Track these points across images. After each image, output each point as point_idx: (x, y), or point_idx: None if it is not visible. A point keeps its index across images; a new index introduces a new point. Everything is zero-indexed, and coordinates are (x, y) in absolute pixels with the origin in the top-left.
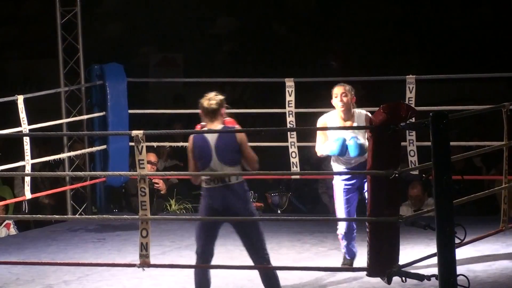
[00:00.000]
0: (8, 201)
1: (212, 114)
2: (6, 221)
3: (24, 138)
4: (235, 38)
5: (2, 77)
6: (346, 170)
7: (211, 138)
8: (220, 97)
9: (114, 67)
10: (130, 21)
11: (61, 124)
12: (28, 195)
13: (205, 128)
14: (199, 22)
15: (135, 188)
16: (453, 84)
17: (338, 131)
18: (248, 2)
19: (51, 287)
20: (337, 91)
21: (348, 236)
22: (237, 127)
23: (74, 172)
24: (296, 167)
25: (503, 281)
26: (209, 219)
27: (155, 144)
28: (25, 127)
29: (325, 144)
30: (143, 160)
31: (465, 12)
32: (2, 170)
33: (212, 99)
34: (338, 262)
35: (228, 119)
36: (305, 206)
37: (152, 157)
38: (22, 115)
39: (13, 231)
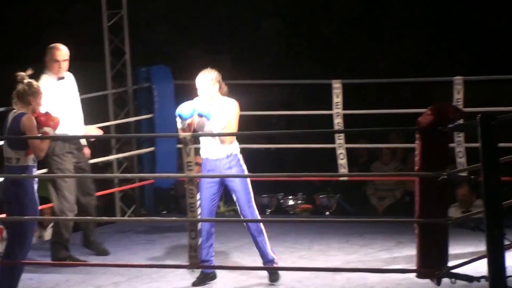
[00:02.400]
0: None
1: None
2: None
3: None
4: (282, 40)
5: None
6: None
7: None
8: None
9: (161, 69)
10: (177, 23)
11: (108, 126)
12: None
13: None
14: (246, 24)
15: (183, 190)
16: (501, 85)
17: None
18: (295, 4)
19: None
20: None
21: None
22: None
23: (122, 174)
24: (344, 168)
25: None
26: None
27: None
28: None
29: None
30: (191, 162)
31: None
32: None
33: None
34: (387, 264)
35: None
36: (353, 207)
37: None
38: None
39: None
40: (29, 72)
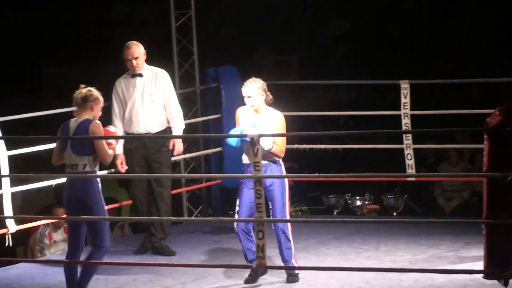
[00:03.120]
0: (119, 204)
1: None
2: (120, 223)
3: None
4: (349, 40)
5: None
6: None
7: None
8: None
9: (229, 69)
10: (245, 23)
11: None
12: None
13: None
14: (313, 25)
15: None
16: None
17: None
18: (362, 4)
19: (172, 286)
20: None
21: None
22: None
23: (190, 174)
24: (412, 169)
25: None
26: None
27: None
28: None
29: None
30: (258, 162)
31: None
32: (117, 172)
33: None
34: (454, 264)
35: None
36: (421, 208)
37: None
38: None
39: (127, 233)
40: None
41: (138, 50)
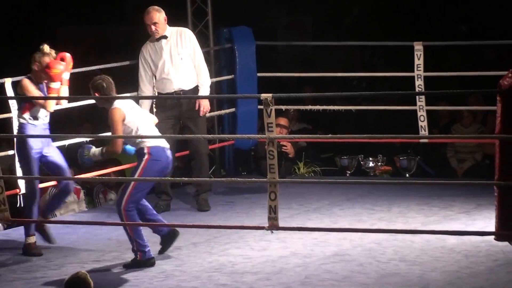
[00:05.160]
0: (126, 166)
1: None
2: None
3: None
4: (363, 2)
5: (129, 40)
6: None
7: None
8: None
9: (243, 30)
10: None
11: None
12: None
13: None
14: None
15: (264, 151)
16: None
17: None
18: None
19: (180, 249)
20: None
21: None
22: None
23: (203, 135)
24: (425, 130)
25: None
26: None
27: (283, 107)
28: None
29: None
30: (271, 123)
31: None
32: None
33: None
34: (466, 226)
35: None
36: (433, 169)
37: (283, 120)
38: None
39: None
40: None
41: (157, 15)
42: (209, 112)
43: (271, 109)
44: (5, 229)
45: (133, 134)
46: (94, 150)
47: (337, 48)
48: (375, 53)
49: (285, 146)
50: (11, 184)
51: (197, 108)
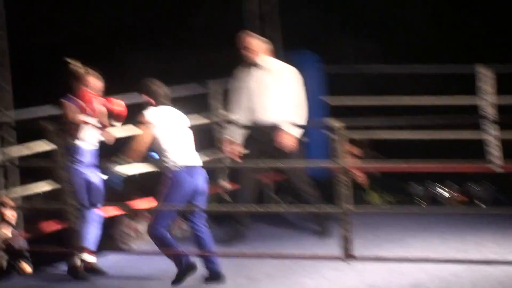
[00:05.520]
0: None
1: None
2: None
3: (222, 128)
4: (434, 27)
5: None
6: None
7: None
8: None
9: (311, 56)
10: (327, 8)
11: None
12: (227, 185)
13: None
14: (395, 11)
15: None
16: None
17: None
18: None
19: (255, 280)
20: None
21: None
22: None
23: (273, 163)
24: (499, 159)
25: None
26: None
27: (355, 136)
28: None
29: None
30: (343, 151)
31: None
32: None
33: None
34: None
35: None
36: (508, 199)
37: (356, 149)
38: (216, 103)
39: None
40: None
41: (249, 40)
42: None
43: (343, 138)
44: None
45: (160, 146)
46: (121, 168)
47: (408, 74)
48: (448, 79)
49: (359, 175)
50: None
51: (278, 143)
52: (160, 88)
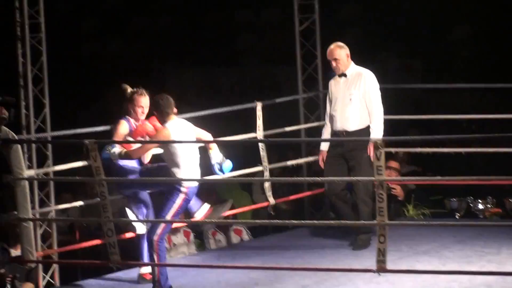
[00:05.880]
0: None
1: None
2: (235, 227)
3: (260, 144)
4: (472, 44)
5: (241, 83)
6: None
7: None
8: None
9: None
10: (368, 27)
11: (299, 130)
12: (271, 200)
13: None
14: (437, 29)
15: (373, 193)
16: None
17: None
18: (484, 9)
19: None
20: None
21: None
22: None
23: (312, 178)
24: None
25: None
26: None
27: (393, 149)
28: (259, 133)
29: None
30: (381, 166)
31: None
32: (242, 176)
33: None
34: None
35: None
36: None
37: (394, 163)
38: (259, 122)
39: (246, 237)
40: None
41: (338, 51)
42: (318, 155)
43: (381, 152)
44: (114, 271)
45: (175, 159)
46: (116, 149)
47: (447, 90)
48: (485, 95)
49: (395, 188)
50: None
51: (368, 154)
52: (167, 99)
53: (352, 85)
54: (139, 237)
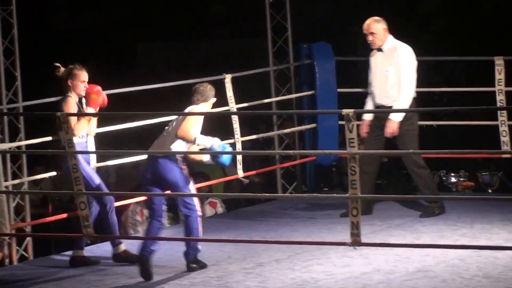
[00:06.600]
0: (215, 181)
1: None
2: (210, 200)
3: (233, 116)
4: (443, 17)
5: (210, 55)
6: None
7: None
8: None
9: (323, 46)
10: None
11: (270, 103)
12: (240, 173)
13: None
14: (407, 1)
15: (345, 166)
16: None
17: None
18: None
19: (262, 265)
20: None
21: None
22: None
23: (284, 151)
24: (507, 145)
25: None
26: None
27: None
28: (232, 106)
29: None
30: (353, 138)
31: None
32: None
33: None
34: None
35: None
36: None
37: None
38: (229, 94)
39: (220, 210)
40: None
41: (374, 25)
42: (289, 128)
43: (353, 125)
44: (88, 245)
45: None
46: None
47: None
48: (456, 68)
49: None
50: None
51: (406, 127)
52: (209, 87)
53: (388, 61)
54: (107, 212)
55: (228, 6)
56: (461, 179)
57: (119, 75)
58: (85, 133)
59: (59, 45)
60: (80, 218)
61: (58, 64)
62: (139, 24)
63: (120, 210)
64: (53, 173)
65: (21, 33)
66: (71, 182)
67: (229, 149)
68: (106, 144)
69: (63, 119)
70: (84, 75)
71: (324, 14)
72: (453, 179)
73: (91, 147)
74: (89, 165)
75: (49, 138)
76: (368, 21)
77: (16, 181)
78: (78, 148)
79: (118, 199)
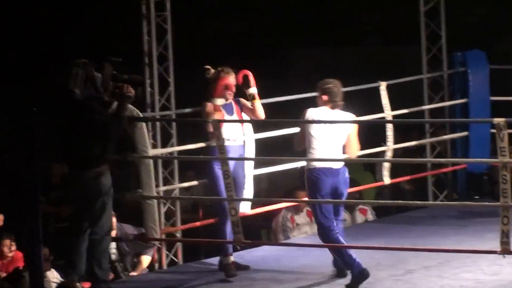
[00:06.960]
0: (362, 187)
1: None
2: (360, 207)
3: (387, 124)
4: None
5: (362, 62)
6: None
7: None
8: None
9: (477, 54)
10: (495, 5)
11: (422, 111)
12: (387, 180)
13: None
14: None
15: (497, 175)
16: None
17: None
18: None
19: (412, 272)
20: None
21: None
22: None
23: (435, 159)
24: None
25: None
26: None
27: None
28: (387, 113)
29: None
30: (504, 147)
31: None
32: (365, 156)
33: None
34: None
35: None
36: None
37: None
38: (385, 101)
39: (370, 217)
40: None
41: None
42: (441, 135)
43: (504, 134)
44: (237, 251)
45: (309, 145)
46: None
47: None
48: None
49: None
50: None
51: None
52: (339, 89)
53: None
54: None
55: (380, 14)
56: None
57: (273, 81)
58: (236, 136)
59: (212, 52)
60: (231, 224)
61: (208, 66)
62: (292, 30)
63: (271, 216)
64: (204, 180)
65: (175, 39)
66: (211, 189)
67: None
68: (259, 151)
69: (215, 125)
70: (231, 79)
71: (479, 22)
72: None
73: (249, 151)
74: (243, 171)
75: (201, 144)
76: None
77: (167, 187)
78: (231, 153)
79: (267, 205)
